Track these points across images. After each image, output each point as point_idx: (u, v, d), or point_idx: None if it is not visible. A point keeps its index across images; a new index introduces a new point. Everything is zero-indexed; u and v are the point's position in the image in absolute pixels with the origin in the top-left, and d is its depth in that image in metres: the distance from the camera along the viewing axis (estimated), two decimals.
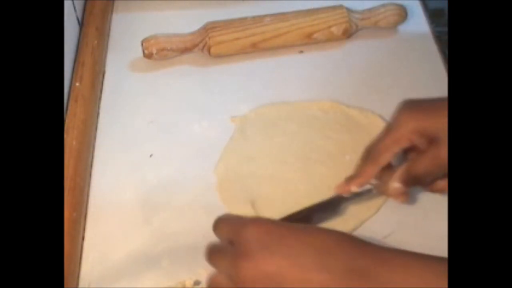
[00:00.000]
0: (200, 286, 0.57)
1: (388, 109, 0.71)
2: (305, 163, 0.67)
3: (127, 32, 0.84)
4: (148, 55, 0.78)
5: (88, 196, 0.65)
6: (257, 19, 0.79)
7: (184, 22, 0.82)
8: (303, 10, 0.80)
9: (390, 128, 0.59)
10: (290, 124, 0.71)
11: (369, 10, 0.81)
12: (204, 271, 0.58)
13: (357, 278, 0.45)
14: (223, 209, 0.63)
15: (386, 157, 0.59)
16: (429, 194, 0.63)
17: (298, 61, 0.79)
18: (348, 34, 0.80)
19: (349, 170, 0.65)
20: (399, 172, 0.59)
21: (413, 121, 0.58)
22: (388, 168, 0.60)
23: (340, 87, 0.75)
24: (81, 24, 0.82)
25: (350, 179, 0.61)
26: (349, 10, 0.80)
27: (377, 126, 0.69)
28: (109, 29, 0.85)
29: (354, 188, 0.61)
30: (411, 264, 0.46)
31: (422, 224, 0.61)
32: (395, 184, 0.59)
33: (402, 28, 0.81)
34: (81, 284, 0.58)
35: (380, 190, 0.61)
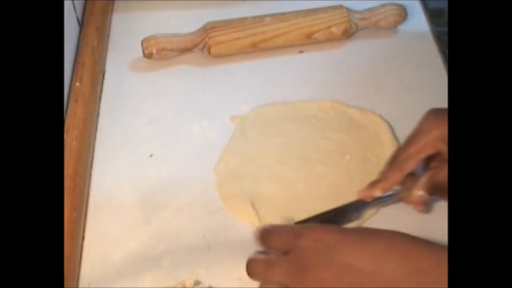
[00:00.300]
0: (200, 286, 0.57)
1: (388, 109, 0.71)
2: (305, 163, 0.67)
3: (127, 32, 0.84)
4: (148, 55, 0.78)
5: (88, 196, 0.65)
6: (257, 19, 0.79)
7: (184, 22, 0.82)
8: (303, 10, 0.80)
9: (415, 135, 0.59)
10: (290, 124, 0.71)
11: (369, 10, 0.81)
12: (204, 271, 0.58)
13: (417, 281, 0.45)
14: (223, 209, 0.63)
15: (411, 164, 0.59)
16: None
17: (298, 61, 0.79)
18: (348, 34, 0.80)
19: (349, 170, 0.65)
20: (423, 180, 0.59)
21: (439, 129, 0.58)
22: (411, 175, 0.60)
23: (340, 87, 0.75)
24: (81, 24, 0.82)
25: (374, 184, 0.61)
26: (349, 10, 0.80)
27: (377, 126, 0.69)
28: (109, 29, 0.85)
29: (378, 193, 0.61)
30: None
31: (422, 224, 0.61)
32: (419, 192, 0.59)
33: (402, 28, 0.81)
34: (81, 284, 0.58)
35: (402, 196, 0.61)
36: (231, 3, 0.86)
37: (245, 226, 0.61)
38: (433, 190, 0.59)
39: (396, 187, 0.61)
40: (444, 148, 0.57)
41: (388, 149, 0.67)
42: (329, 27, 0.79)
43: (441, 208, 0.61)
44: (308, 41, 0.80)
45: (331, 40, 0.80)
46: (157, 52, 0.78)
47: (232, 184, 0.65)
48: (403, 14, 0.80)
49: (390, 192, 0.61)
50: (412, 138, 0.60)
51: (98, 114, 0.74)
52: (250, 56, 0.80)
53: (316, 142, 0.68)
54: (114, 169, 0.68)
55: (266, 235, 0.52)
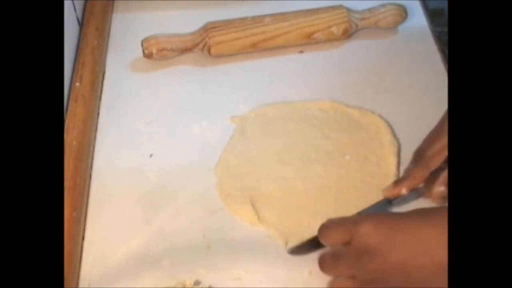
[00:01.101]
0: (200, 286, 0.57)
1: (388, 109, 0.71)
2: (305, 163, 0.67)
3: (127, 32, 0.84)
4: (148, 55, 0.78)
5: (88, 196, 0.65)
6: (257, 19, 0.79)
7: (184, 22, 0.82)
8: (303, 10, 0.80)
9: (438, 132, 0.59)
10: (290, 124, 0.71)
11: (369, 10, 0.81)
12: (204, 271, 0.58)
13: None
14: (223, 209, 0.63)
15: (437, 161, 0.59)
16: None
17: (298, 61, 0.79)
18: (348, 34, 0.80)
19: (349, 170, 0.65)
20: (444, 176, 0.59)
21: None
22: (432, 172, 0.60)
23: (340, 87, 0.75)
24: (81, 24, 0.82)
25: (399, 182, 0.61)
26: (349, 10, 0.80)
27: (377, 126, 0.69)
28: (109, 29, 0.85)
29: (404, 191, 0.61)
30: None
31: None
32: (440, 188, 0.59)
33: (402, 28, 0.81)
34: (81, 284, 0.58)
35: (424, 193, 0.61)
36: (231, 3, 0.86)
37: (245, 226, 0.62)
38: None
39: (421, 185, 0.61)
40: None
41: (388, 149, 0.67)
42: (329, 27, 0.79)
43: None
44: (308, 41, 0.80)
45: (331, 40, 0.80)
46: (157, 52, 0.78)
47: (232, 184, 0.65)
48: (403, 14, 0.80)
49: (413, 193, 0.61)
50: (436, 134, 0.59)
51: (98, 114, 0.74)
52: (250, 56, 0.80)
53: (316, 142, 0.68)
54: (114, 169, 0.68)
55: (325, 231, 0.53)
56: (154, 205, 0.64)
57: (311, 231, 0.61)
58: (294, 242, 0.60)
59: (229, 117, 0.72)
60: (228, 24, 0.79)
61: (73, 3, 0.80)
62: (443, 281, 0.44)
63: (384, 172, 0.65)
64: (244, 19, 0.79)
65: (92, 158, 0.69)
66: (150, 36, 0.78)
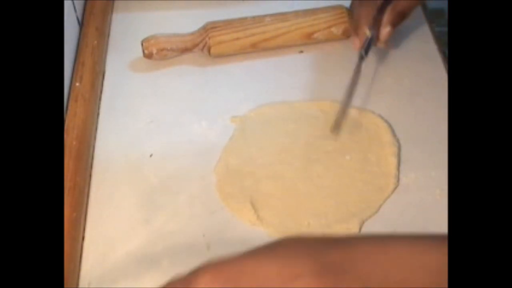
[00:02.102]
0: None
1: (388, 109, 0.71)
2: (305, 163, 0.67)
3: (127, 32, 0.84)
4: (148, 55, 0.78)
5: (88, 196, 0.65)
6: (257, 19, 0.79)
7: (184, 22, 0.82)
8: (303, 10, 0.80)
9: None
10: (290, 124, 0.71)
11: None
12: None
13: (331, 277, 0.41)
14: (223, 209, 0.63)
15: None
16: (429, 194, 0.63)
17: (298, 61, 0.79)
18: (348, 34, 0.80)
19: (349, 170, 0.65)
20: (387, 16, 0.70)
21: None
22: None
23: (340, 87, 0.75)
24: (81, 24, 0.82)
25: (358, 29, 0.73)
26: (349, 10, 0.80)
27: (377, 126, 0.69)
28: (109, 29, 0.85)
29: (367, 31, 0.72)
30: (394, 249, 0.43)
31: (422, 224, 0.61)
32: (386, 29, 0.70)
33: (402, 28, 0.81)
34: (81, 284, 0.58)
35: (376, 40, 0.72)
36: (231, 3, 0.86)
37: (245, 226, 0.62)
38: (397, 20, 0.71)
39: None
40: None
41: (388, 149, 0.67)
42: (329, 27, 0.79)
43: (441, 208, 0.61)
44: (308, 41, 0.80)
45: (331, 40, 0.80)
46: (157, 52, 0.78)
47: (232, 184, 0.65)
48: None
49: (368, 39, 0.71)
50: None
51: (98, 114, 0.74)
52: (250, 56, 0.80)
53: (316, 142, 0.69)
54: (114, 169, 0.68)
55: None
56: (154, 205, 0.64)
57: (311, 231, 0.61)
58: None
59: (229, 117, 0.72)
60: (228, 24, 0.79)
61: (73, 3, 0.80)
62: None
63: (384, 172, 0.65)
64: (244, 19, 0.79)
65: (92, 158, 0.69)
66: (150, 36, 0.78)
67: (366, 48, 0.72)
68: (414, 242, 0.44)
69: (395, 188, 0.64)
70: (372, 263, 0.42)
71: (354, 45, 0.74)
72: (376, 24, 0.72)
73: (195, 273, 0.44)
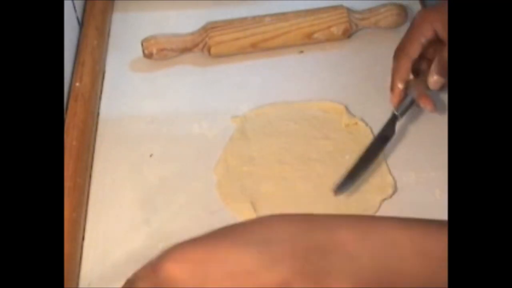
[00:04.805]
0: None
1: (388, 109, 0.71)
2: (305, 163, 0.67)
3: (127, 32, 0.84)
4: (148, 55, 0.78)
5: (88, 196, 0.65)
6: (257, 19, 0.79)
7: (184, 22, 0.82)
8: (303, 10, 0.80)
9: (412, 27, 0.65)
10: (290, 124, 0.71)
11: (369, 10, 0.81)
12: None
13: (317, 258, 0.38)
14: (223, 209, 0.63)
15: (415, 48, 0.64)
16: (429, 194, 0.63)
17: (298, 61, 0.79)
18: (348, 34, 0.80)
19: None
20: (433, 66, 0.64)
21: (433, 15, 0.63)
22: (418, 75, 0.66)
23: (340, 87, 0.75)
24: (81, 24, 0.82)
25: (392, 85, 0.67)
26: (349, 10, 0.80)
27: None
28: (109, 29, 0.85)
29: (400, 86, 0.66)
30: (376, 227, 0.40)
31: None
32: (434, 77, 0.64)
33: (402, 28, 0.81)
34: (81, 284, 0.58)
35: (418, 93, 0.65)
36: (231, 3, 0.86)
37: None
38: (445, 71, 0.63)
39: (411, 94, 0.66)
40: (441, 30, 0.63)
41: (388, 149, 0.67)
42: (329, 27, 0.79)
43: (441, 208, 0.61)
44: (308, 41, 0.80)
45: (331, 40, 0.80)
46: (157, 52, 0.78)
47: (232, 183, 0.65)
48: (403, 14, 0.80)
49: (409, 98, 0.66)
50: (409, 29, 0.66)
51: (98, 114, 0.74)
52: (250, 56, 0.80)
53: (316, 142, 0.69)
54: (114, 169, 0.68)
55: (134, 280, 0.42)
56: (154, 205, 0.64)
57: None
58: None
59: (229, 117, 0.72)
60: (228, 24, 0.79)
61: (73, 3, 0.80)
62: None
63: (384, 172, 0.65)
64: (244, 19, 0.79)
65: (92, 158, 0.69)
66: (150, 36, 0.78)
67: (403, 109, 0.66)
68: (410, 226, 0.41)
69: (395, 188, 0.64)
70: (364, 244, 0.38)
71: (391, 100, 0.68)
72: (419, 83, 0.66)
73: (160, 258, 0.41)
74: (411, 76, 0.67)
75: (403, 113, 0.66)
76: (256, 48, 0.79)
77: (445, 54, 0.62)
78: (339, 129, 0.69)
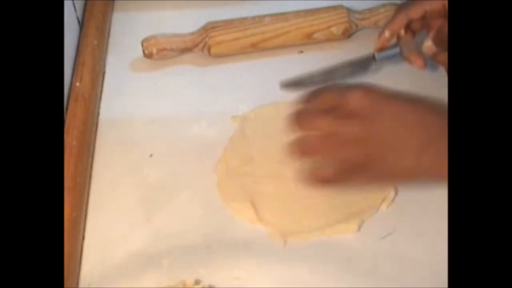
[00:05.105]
0: (200, 285, 0.57)
1: None
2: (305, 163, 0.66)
3: (127, 32, 0.84)
4: (148, 55, 0.78)
5: (88, 196, 0.65)
6: (257, 19, 0.79)
7: (184, 22, 0.82)
8: (303, 10, 0.80)
9: None
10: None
11: (369, 10, 0.81)
12: (204, 270, 0.58)
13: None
14: (223, 209, 0.63)
15: (417, 10, 0.65)
16: (429, 194, 0.63)
17: (298, 61, 0.79)
18: (348, 34, 0.80)
19: None
20: (432, 32, 0.65)
21: None
22: (413, 36, 0.68)
23: None
24: (81, 24, 0.82)
25: (382, 31, 0.68)
26: (349, 10, 0.80)
27: None
28: (109, 29, 0.85)
29: (387, 34, 0.68)
30: None
31: (422, 224, 0.61)
32: (429, 42, 0.65)
33: None
34: (81, 284, 0.58)
35: (406, 54, 0.67)
36: (231, 3, 0.86)
37: (245, 226, 0.62)
38: (441, 41, 0.65)
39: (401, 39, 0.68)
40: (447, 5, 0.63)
41: None
42: (329, 27, 0.79)
43: (441, 208, 0.61)
44: (308, 41, 0.80)
45: (331, 40, 0.80)
46: (157, 52, 0.78)
47: (232, 183, 0.65)
48: None
49: (396, 49, 0.68)
50: None
51: (98, 114, 0.74)
52: (250, 56, 0.80)
53: None
54: (114, 169, 0.68)
55: (317, 92, 0.54)
56: (154, 205, 0.64)
57: (311, 231, 0.61)
58: (294, 241, 0.60)
59: (229, 117, 0.72)
60: (228, 24, 0.79)
61: (73, 3, 0.80)
62: (412, 161, 0.49)
63: None
64: (244, 19, 0.79)
65: (92, 158, 0.69)
66: (150, 36, 0.78)
67: (384, 56, 0.70)
68: (414, 102, 0.51)
69: (395, 188, 0.64)
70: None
71: (378, 40, 0.71)
72: (411, 41, 0.68)
73: (348, 88, 0.52)
74: (403, 33, 0.68)
75: (382, 58, 0.69)
76: (256, 48, 0.79)
77: (445, 28, 0.64)
78: None
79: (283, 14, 0.80)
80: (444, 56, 0.67)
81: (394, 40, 0.69)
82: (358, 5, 0.81)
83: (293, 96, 0.73)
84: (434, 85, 0.77)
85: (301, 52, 0.80)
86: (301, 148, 0.54)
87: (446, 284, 0.43)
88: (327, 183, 0.54)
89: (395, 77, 0.74)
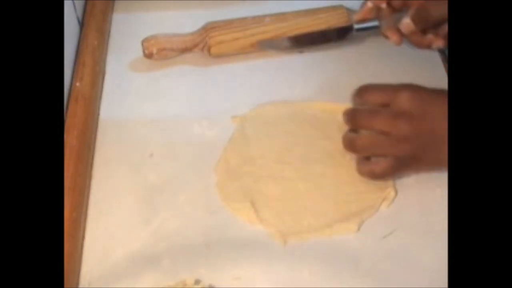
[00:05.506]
0: (200, 285, 0.57)
1: None
2: (305, 163, 0.67)
3: (127, 32, 0.84)
4: (148, 55, 0.78)
5: (88, 196, 0.65)
6: (257, 19, 0.79)
7: (184, 22, 0.82)
8: (302, 10, 0.80)
9: None
10: (290, 124, 0.71)
11: None
12: (204, 270, 0.58)
13: None
14: (223, 209, 0.63)
15: None
16: (429, 194, 0.63)
17: (298, 61, 0.79)
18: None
19: (349, 170, 0.65)
20: (412, 10, 0.67)
21: None
22: (395, 11, 0.71)
23: (340, 87, 0.75)
24: (81, 24, 0.82)
25: (364, 2, 0.72)
26: (349, 10, 0.80)
27: None
28: (109, 29, 0.85)
29: (370, 4, 0.72)
30: None
31: (422, 224, 0.61)
32: (406, 20, 0.67)
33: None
34: (81, 283, 0.58)
35: (388, 24, 0.70)
36: (231, 3, 0.86)
37: (245, 226, 0.62)
38: (419, 21, 0.67)
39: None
40: None
41: None
42: (329, 27, 0.79)
43: (441, 208, 0.61)
44: None
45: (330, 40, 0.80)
46: (157, 52, 0.78)
47: (232, 183, 0.65)
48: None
49: (374, 22, 0.72)
50: None
51: (98, 114, 0.74)
52: (250, 56, 0.80)
53: (316, 142, 0.69)
54: (114, 169, 0.68)
55: (366, 90, 0.61)
56: (154, 205, 0.64)
57: (311, 231, 0.61)
58: (294, 241, 0.60)
59: (229, 117, 0.72)
60: (228, 24, 0.79)
61: (73, 3, 0.80)
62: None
63: None
64: (244, 19, 0.79)
65: (92, 158, 0.69)
66: (150, 36, 0.78)
67: (362, 26, 0.73)
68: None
69: (395, 188, 0.64)
70: None
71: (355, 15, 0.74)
72: (392, 17, 0.71)
73: (397, 88, 0.59)
74: (384, 6, 0.71)
75: (359, 30, 0.74)
76: (256, 48, 0.79)
77: (428, 7, 0.66)
78: (339, 129, 0.69)
79: (283, 14, 0.80)
80: (419, 37, 0.70)
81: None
82: (358, 5, 0.81)
83: (293, 96, 0.74)
84: (407, 60, 0.78)
85: (301, 52, 0.80)
86: (357, 145, 0.61)
87: (446, 284, 0.43)
88: (381, 177, 0.61)
89: (372, 48, 0.78)
